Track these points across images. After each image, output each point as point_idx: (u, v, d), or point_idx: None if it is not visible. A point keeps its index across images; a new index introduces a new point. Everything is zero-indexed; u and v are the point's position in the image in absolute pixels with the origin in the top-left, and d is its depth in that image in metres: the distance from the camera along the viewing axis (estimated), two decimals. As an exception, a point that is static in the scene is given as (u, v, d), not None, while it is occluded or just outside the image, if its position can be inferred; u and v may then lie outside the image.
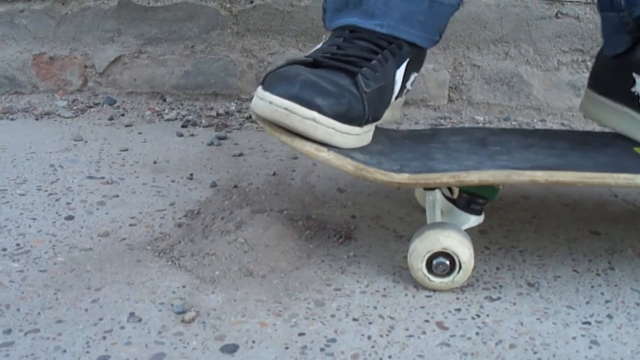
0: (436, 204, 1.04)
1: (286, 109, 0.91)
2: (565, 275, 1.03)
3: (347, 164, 0.94)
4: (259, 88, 0.96)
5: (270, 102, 0.92)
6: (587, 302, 0.96)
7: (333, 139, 0.95)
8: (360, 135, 1.00)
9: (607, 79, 1.18)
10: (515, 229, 1.17)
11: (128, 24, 1.82)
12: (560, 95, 1.79)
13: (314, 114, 0.92)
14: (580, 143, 1.09)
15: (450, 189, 1.05)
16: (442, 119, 1.77)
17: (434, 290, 0.97)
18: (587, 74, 1.76)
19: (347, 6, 1.06)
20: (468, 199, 1.01)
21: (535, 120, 1.79)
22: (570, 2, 1.72)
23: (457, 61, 1.79)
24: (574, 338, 0.87)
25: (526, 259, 1.07)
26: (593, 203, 1.29)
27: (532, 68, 1.78)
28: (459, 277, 0.95)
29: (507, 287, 0.99)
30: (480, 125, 1.75)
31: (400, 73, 1.07)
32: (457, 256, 0.94)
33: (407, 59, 1.07)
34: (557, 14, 1.74)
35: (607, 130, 1.19)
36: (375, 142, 1.05)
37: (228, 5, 1.79)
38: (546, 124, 1.76)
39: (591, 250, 1.11)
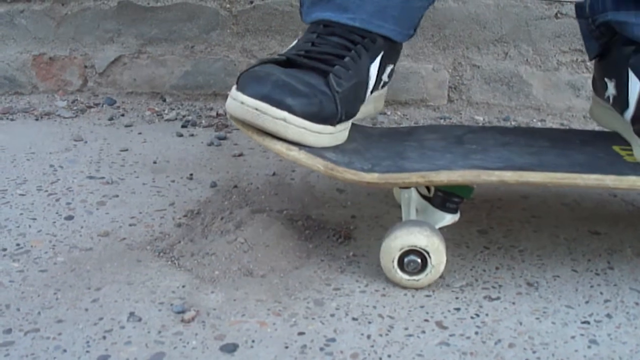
0: (411, 202, 1.05)
1: (257, 109, 0.93)
2: (564, 275, 1.03)
3: (318, 164, 0.94)
4: (233, 88, 0.97)
5: (242, 103, 0.93)
6: (587, 302, 0.96)
7: (305, 139, 0.96)
8: (333, 134, 1.01)
9: (596, 81, 1.19)
10: (515, 229, 1.17)
11: (128, 24, 1.82)
12: (560, 95, 1.79)
13: (284, 114, 0.93)
14: (559, 141, 1.09)
15: (427, 188, 1.05)
16: (441, 119, 1.78)
17: (433, 290, 0.97)
18: (587, 74, 1.77)
19: (322, 0, 1.07)
20: (443, 197, 1.01)
21: (535, 120, 1.79)
22: (570, 2, 1.72)
23: (457, 61, 1.79)
24: (573, 337, 0.88)
25: (525, 259, 1.07)
26: (593, 203, 1.29)
27: (532, 68, 1.78)
28: (436, 260, 0.95)
29: (506, 286, 0.99)
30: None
31: (374, 67, 1.07)
32: (415, 246, 0.94)
33: (382, 53, 1.08)
34: (556, 14, 1.74)
35: (588, 129, 1.19)
36: (350, 140, 1.05)
37: (228, 5, 1.79)
38: (546, 124, 1.76)
39: (590, 250, 1.11)
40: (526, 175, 0.93)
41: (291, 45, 1.07)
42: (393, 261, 0.95)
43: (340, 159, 0.97)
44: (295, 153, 0.95)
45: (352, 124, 1.10)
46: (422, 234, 0.94)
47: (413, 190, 1.05)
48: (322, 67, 1.01)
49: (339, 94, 1.00)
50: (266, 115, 0.93)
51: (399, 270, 0.96)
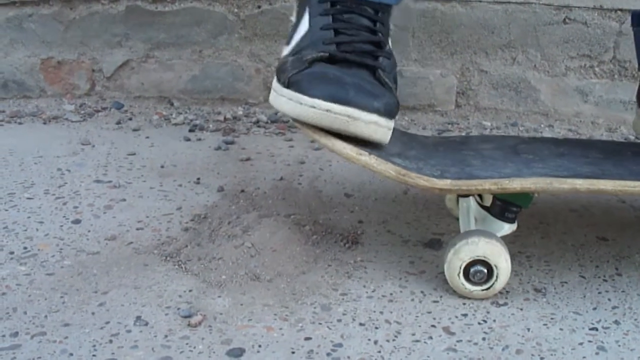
0: (470, 212, 1.04)
1: (349, 116, 0.90)
2: (572, 281, 1.02)
3: (390, 169, 0.93)
4: (293, 93, 0.94)
5: (328, 110, 0.90)
6: (594, 308, 0.95)
7: (386, 138, 0.95)
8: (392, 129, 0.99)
9: None
10: (523, 235, 1.17)
11: (136, 28, 1.82)
12: (568, 100, 1.79)
13: (375, 117, 0.92)
14: (612, 153, 1.09)
15: (480, 196, 1.04)
16: (449, 124, 1.77)
17: (440, 296, 0.97)
18: (594, 80, 1.76)
19: None
20: (502, 206, 0.99)
21: (542, 125, 1.78)
22: (578, 7, 1.72)
23: (465, 66, 1.79)
24: (581, 344, 0.87)
25: (533, 265, 1.07)
26: (601, 209, 1.29)
27: (540, 73, 1.78)
28: (501, 280, 0.96)
29: (514, 292, 0.99)
30: (487, 133, 1.75)
31: (390, 43, 1.05)
32: (489, 261, 0.95)
33: (390, 25, 1.05)
34: (564, 19, 1.73)
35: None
36: (409, 148, 1.04)
37: (236, 10, 1.80)
38: (554, 130, 1.76)
39: (598, 256, 1.10)
40: (597, 183, 0.92)
41: (302, 31, 1.02)
42: (461, 267, 0.95)
43: (409, 164, 0.96)
44: (366, 158, 0.93)
45: (404, 132, 1.09)
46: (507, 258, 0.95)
47: (472, 199, 1.05)
48: (369, 62, 0.98)
49: (392, 87, 0.99)
50: (358, 122, 0.91)
51: (464, 279, 0.96)
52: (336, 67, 0.96)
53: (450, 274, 0.96)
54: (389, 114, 0.94)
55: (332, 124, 0.91)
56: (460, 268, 0.95)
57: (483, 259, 0.94)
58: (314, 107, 0.91)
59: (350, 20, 1.00)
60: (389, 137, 0.96)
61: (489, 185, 0.93)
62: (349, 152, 0.93)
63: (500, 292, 0.98)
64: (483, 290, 0.95)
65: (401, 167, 0.94)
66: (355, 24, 1.00)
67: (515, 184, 0.93)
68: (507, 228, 1.01)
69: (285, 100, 0.95)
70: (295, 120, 0.95)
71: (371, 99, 0.92)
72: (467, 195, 1.05)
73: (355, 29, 1.00)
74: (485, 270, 0.95)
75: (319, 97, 0.91)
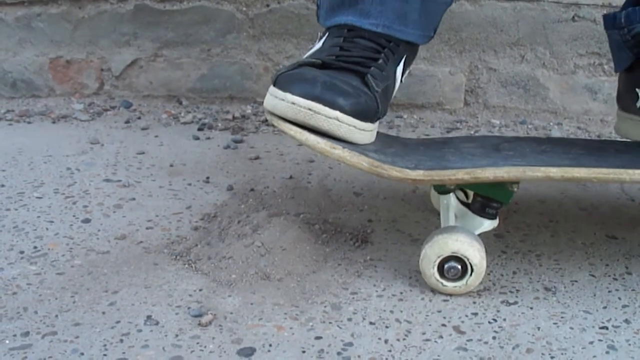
0: (450, 208, 1.04)
1: (310, 109, 0.94)
2: (582, 280, 1.02)
3: (362, 162, 0.94)
4: (274, 89, 0.98)
5: (293, 103, 0.95)
6: (604, 307, 0.95)
7: (353, 136, 0.97)
8: (372, 132, 1.03)
9: (623, 94, 1.19)
10: (532, 233, 1.16)
11: (144, 27, 1.82)
12: (577, 98, 1.78)
13: (337, 113, 0.95)
14: (595, 150, 1.09)
15: (465, 193, 1.05)
16: (458, 122, 1.77)
17: (450, 295, 0.97)
18: (604, 77, 1.76)
19: (343, 5, 1.07)
20: (482, 202, 1.00)
21: (551, 123, 1.78)
22: (587, 5, 1.72)
23: (473, 64, 1.79)
24: (591, 343, 0.87)
25: (543, 263, 1.07)
26: (610, 207, 1.28)
27: (549, 71, 1.78)
28: (472, 280, 0.96)
29: (523, 291, 0.99)
30: (496, 130, 1.75)
31: (399, 70, 1.08)
32: (468, 259, 0.94)
33: (405, 56, 1.09)
34: (573, 17, 1.73)
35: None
36: (388, 146, 1.05)
37: (244, 8, 1.80)
38: (562, 128, 1.76)
39: (608, 254, 1.10)
40: (571, 170, 0.93)
41: (315, 49, 1.07)
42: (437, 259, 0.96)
43: (383, 158, 0.97)
44: (339, 151, 0.95)
45: (388, 135, 1.10)
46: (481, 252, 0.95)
47: (452, 195, 1.05)
48: (359, 69, 1.02)
49: (379, 94, 1.01)
50: (319, 115, 0.94)
51: (437, 273, 0.96)
52: (325, 71, 1.00)
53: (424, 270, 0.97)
54: (358, 114, 0.98)
55: (297, 116, 0.95)
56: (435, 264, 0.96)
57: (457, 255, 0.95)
58: (283, 100, 0.96)
59: (358, 42, 1.05)
60: (360, 136, 0.99)
61: (462, 174, 0.94)
62: (322, 146, 0.95)
63: (510, 291, 0.98)
64: (467, 281, 0.96)
65: (374, 159, 0.95)
66: (361, 45, 1.05)
67: (488, 173, 0.93)
68: (488, 224, 1.01)
69: (268, 95, 1.00)
70: (270, 113, 0.99)
71: (337, 96, 0.96)
72: (447, 192, 1.05)
73: (359, 49, 1.05)
74: (460, 267, 0.95)
75: (289, 92, 0.96)
